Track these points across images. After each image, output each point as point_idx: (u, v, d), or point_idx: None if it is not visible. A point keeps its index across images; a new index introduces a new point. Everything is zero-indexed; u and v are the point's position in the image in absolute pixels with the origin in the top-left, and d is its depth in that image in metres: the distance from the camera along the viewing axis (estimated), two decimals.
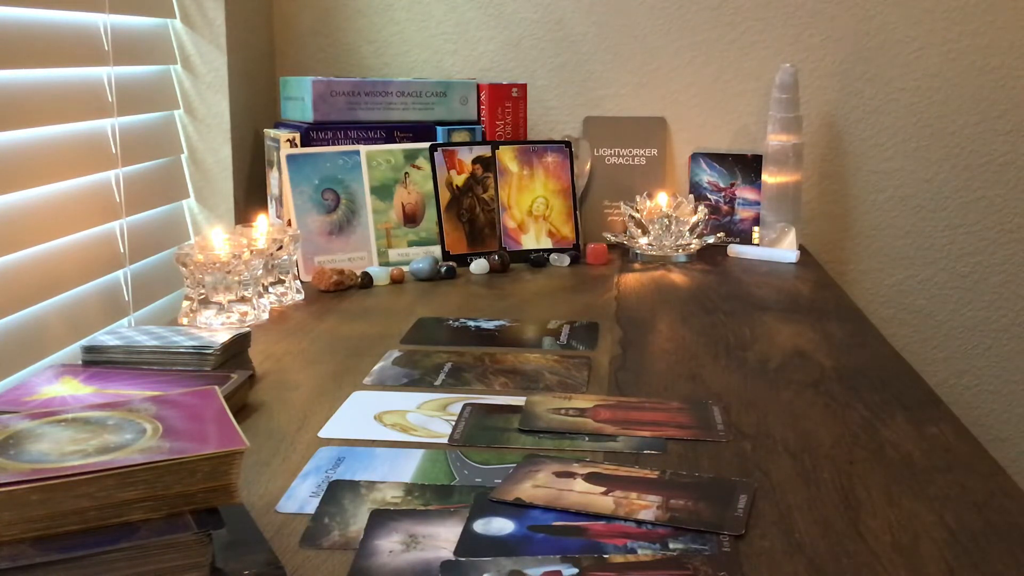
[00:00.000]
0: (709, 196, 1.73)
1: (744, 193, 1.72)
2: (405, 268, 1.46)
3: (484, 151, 1.58)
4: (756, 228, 1.70)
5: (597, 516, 0.70)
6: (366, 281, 1.40)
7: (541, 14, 1.77)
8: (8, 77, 1.09)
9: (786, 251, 1.61)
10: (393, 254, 1.50)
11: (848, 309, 1.32)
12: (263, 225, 1.30)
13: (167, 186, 1.47)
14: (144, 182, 1.38)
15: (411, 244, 1.52)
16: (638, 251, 1.61)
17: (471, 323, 1.21)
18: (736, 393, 0.97)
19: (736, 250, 1.65)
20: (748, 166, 1.71)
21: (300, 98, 1.56)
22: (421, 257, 1.47)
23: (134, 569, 0.55)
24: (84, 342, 0.97)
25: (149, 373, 0.92)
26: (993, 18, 1.71)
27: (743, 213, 1.72)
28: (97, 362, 0.95)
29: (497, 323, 1.21)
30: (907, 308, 1.80)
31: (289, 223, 1.43)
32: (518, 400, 0.93)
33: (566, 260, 1.58)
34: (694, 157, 1.74)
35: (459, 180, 1.56)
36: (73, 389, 0.86)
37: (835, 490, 0.75)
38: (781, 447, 0.83)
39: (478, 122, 1.65)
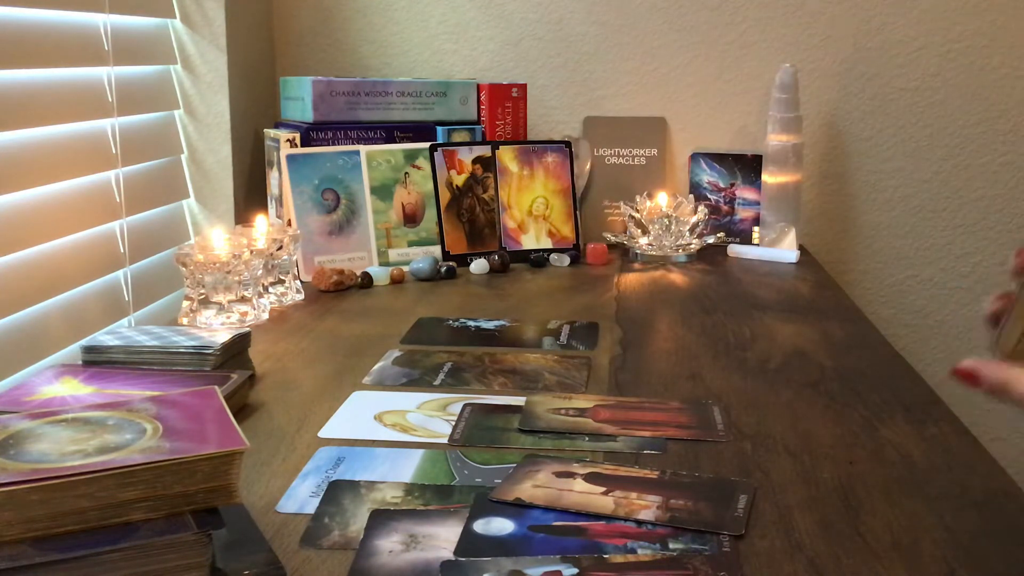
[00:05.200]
0: (709, 196, 1.73)
1: (744, 193, 1.72)
2: (405, 268, 1.46)
3: (484, 151, 1.58)
4: (756, 228, 1.70)
5: (597, 516, 0.70)
6: (366, 281, 1.40)
7: (541, 14, 1.77)
8: (8, 77, 1.09)
9: (786, 251, 1.61)
10: (393, 254, 1.50)
11: (848, 309, 1.32)
12: (263, 225, 1.30)
13: (167, 186, 1.47)
14: (144, 182, 1.38)
15: (411, 244, 1.52)
16: (638, 251, 1.61)
17: (471, 323, 1.21)
18: (736, 393, 0.97)
19: (736, 250, 1.65)
20: (748, 166, 1.71)
21: (300, 98, 1.56)
22: (421, 257, 1.47)
23: (134, 569, 0.55)
24: (84, 342, 0.97)
25: (149, 373, 0.92)
26: (993, 18, 1.71)
27: (743, 213, 1.72)
28: (97, 362, 0.95)
29: (497, 323, 1.21)
30: (907, 308, 1.80)
31: (289, 223, 1.43)
32: (518, 400, 0.93)
33: (566, 260, 1.58)
34: (694, 157, 1.74)
35: (459, 180, 1.56)
36: (73, 389, 0.86)
37: (835, 490, 0.75)
38: (781, 447, 0.83)
39: (478, 122, 1.65)
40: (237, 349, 0.99)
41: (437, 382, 0.99)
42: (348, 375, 1.02)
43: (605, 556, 0.64)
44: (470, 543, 0.66)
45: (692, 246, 1.61)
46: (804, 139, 1.66)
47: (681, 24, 1.76)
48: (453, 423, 0.87)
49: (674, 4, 1.76)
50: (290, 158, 1.45)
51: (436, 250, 1.52)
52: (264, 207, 1.56)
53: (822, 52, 1.75)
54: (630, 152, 1.76)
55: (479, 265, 1.51)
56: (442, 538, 0.66)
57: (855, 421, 0.89)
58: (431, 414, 0.90)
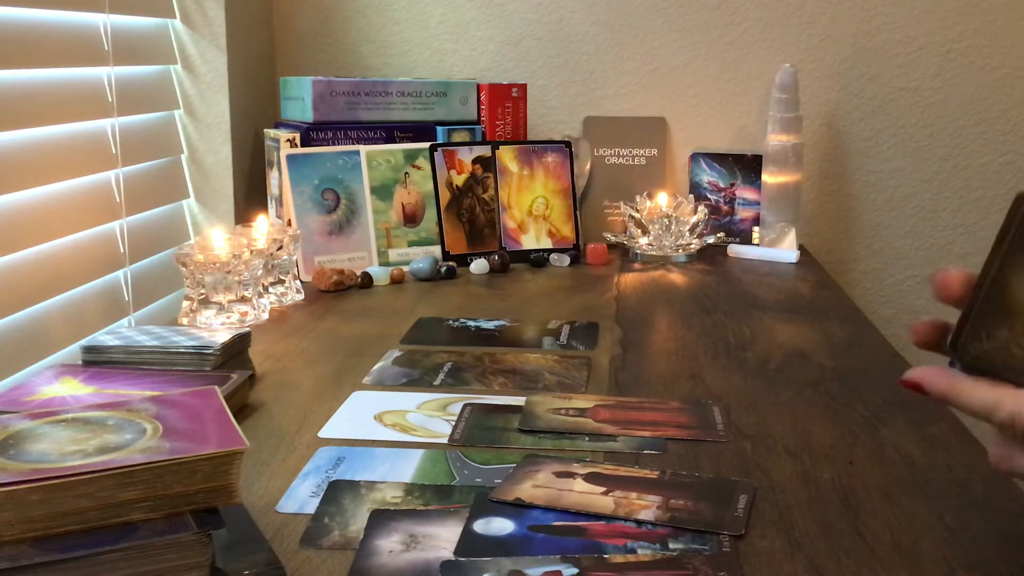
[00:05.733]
0: (709, 196, 1.73)
1: (744, 193, 1.72)
2: (405, 268, 1.46)
3: (484, 151, 1.58)
4: (756, 228, 1.70)
5: (597, 516, 0.70)
6: (366, 281, 1.40)
7: (541, 14, 1.77)
8: (8, 77, 1.09)
9: (786, 251, 1.61)
10: (393, 254, 1.50)
11: (848, 309, 1.32)
12: (263, 225, 1.30)
13: (167, 186, 1.47)
14: (144, 182, 1.38)
15: (411, 244, 1.52)
16: (638, 251, 1.61)
17: (471, 323, 1.21)
18: (736, 393, 0.97)
19: (736, 250, 1.65)
20: (748, 166, 1.71)
21: (300, 98, 1.56)
22: (421, 257, 1.47)
23: (134, 569, 0.55)
24: (84, 342, 0.97)
25: (149, 373, 0.92)
26: (993, 18, 1.71)
27: (743, 213, 1.72)
28: (97, 362, 0.95)
29: (497, 323, 1.21)
30: (907, 308, 1.80)
31: (289, 223, 1.43)
32: (518, 400, 0.93)
33: (566, 260, 1.58)
34: (694, 157, 1.74)
35: (459, 180, 1.56)
36: (73, 389, 0.86)
37: (835, 490, 0.75)
38: (781, 447, 0.83)
39: (478, 122, 1.65)
40: (237, 349, 0.99)
41: (437, 382, 0.99)
42: (348, 375, 1.02)
43: (605, 556, 0.64)
44: (470, 543, 0.66)
45: (692, 246, 1.61)
46: (804, 139, 1.66)
47: (681, 24, 1.76)
48: (453, 423, 0.87)
49: (674, 4, 1.76)
50: (290, 158, 1.45)
51: (436, 250, 1.52)
52: (264, 207, 1.56)
53: (822, 52, 1.75)
54: (630, 152, 1.76)
55: (479, 265, 1.51)
56: (442, 538, 0.66)
57: (855, 421, 0.89)
58: (431, 414, 0.90)
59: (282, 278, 1.31)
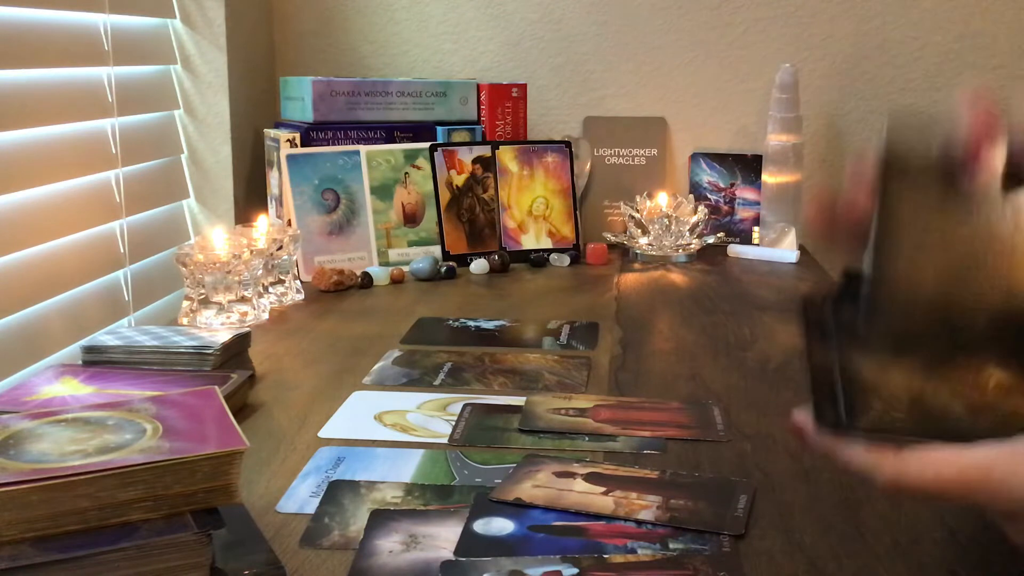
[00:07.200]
0: (709, 196, 1.73)
1: (744, 193, 1.72)
2: (405, 268, 1.46)
3: (484, 151, 1.58)
4: (756, 228, 1.70)
5: (597, 516, 0.70)
6: (366, 281, 1.40)
7: (541, 14, 1.77)
8: (8, 77, 1.09)
9: (786, 251, 1.61)
10: (393, 254, 1.50)
11: None
12: (263, 225, 1.30)
13: (167, 186, 1.47)
14: (144, 182, 1.38)
15: (411, 244, 1.52)
16: (638, 251, 1.61)
17: (471, 323, 1.21)
18: (736, 393, 0.97)
19: (736, 250, 1.65)
20: (748, 166, 1.71)
21: (300, 98, 1.56)
22: (421, 257, 1.47)
23: (134, 569, 0.55)
24: (84, 342, 0.97)
25: (149, 373, 0.92)
26: (993, 18, 1.71)
27: (743, 213, 1.72)
28: (97, 362, 0.95)
29: (497, 323, 1.21)
30: None
31: (289, 223, 1.43)
32: (518, 400, 0.93)
33: (566, 260, 1.58)
34: (694, 157, 1.74)
35: (459, 180, 1.56)
36: (73, 389, 0.86)
37: (835, 490, 0.75)
38: (781, 447, 0.83)
39: (478, 122, 1.65)
40: (237, 349, 0.99)
41: (437, 382, 0.99)
42: (348, 375, 1.02)
43: (605, 556, 0.64)
44: (470, 543, 0.66)
45: (692, 246, 1.61)
46: (804, 139, 1.66)
47: (681, 24, 1.76)
48: (453, 423, 0.87)
49: (674, 4, 1.76)
50: (290, 158, 1.45)
51: (436, 250, 1.52)
52: (264, 207, 1.56)
53: (822, 52, 1.75)
54: (630, 152, 1.76)
55: (479, 265, 1.51)
56: (442, 538, 0.66)
57: None
58: (431, 414, 0.90)
59: (282, 278, 1.31)
